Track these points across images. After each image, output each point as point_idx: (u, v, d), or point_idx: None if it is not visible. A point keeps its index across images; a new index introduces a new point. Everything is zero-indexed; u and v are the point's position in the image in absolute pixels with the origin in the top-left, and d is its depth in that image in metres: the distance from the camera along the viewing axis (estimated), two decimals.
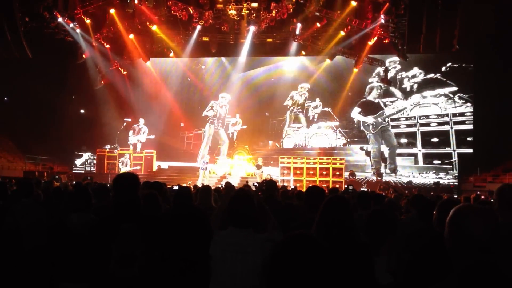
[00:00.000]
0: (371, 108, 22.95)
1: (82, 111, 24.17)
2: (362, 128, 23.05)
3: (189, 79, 24.91)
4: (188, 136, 25.06)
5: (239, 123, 24.03)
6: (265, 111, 24.23)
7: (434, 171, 21.59)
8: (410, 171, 21.98)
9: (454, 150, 21.57)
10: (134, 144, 23.95)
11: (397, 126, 22.65)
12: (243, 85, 24.41)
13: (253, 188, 9.44)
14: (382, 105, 22.86)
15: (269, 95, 23.94)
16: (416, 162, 22.18)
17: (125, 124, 24.08)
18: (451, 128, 21.74)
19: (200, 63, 25.18)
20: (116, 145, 23.41)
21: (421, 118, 22.30)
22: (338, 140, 23.37)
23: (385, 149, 22.48)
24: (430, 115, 22.21)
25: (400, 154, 22.41)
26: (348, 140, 23.38)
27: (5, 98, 23.37)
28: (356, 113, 23.25)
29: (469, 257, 1.81)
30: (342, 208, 2.92)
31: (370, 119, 22.79)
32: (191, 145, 24.88)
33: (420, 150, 22.12)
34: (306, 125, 23.94)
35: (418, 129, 22.33)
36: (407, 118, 22.56)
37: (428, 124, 22.20)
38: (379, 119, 22.72)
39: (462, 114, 21.68)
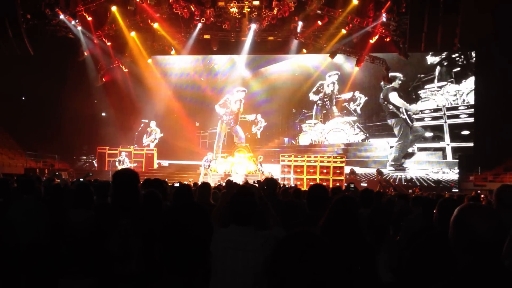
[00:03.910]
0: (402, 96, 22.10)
1: (103, 114, 24.13)
2: (403, 116, 21.92)
3: (203, 79, 24.77)
4: (203, 135, 25.00)
5: (260, 122, 23.88)
6: (282, 107, 23.68)
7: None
8: (439, 167, 21.25)
9: (448, 144, 21.09)
10: (148, 146, 24.08)
11: (421, 119, 21.90)
12: (259, 82, 24.14)
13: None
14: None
15: (289, 91, 23.39)
16: (444, 157, 21.43)
17: (142, 125, 24.22)
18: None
19: (212, 62, 24.96)
20: (136, 145, 23.52)
21: (449, 110, 21.41)
22: (357, 136, 22.90)
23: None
24: (459, 106, 21.35)
25: (426, 149, 21.74)
26: (367, 135, 22.80)
27: (23, 98, 23.36)
28: (396, 98, 22.10)
29: (474, 256, 1.81)
30: (352, 209, 2.94)
31: (414, 107, 21.91)
32: (207, 144, 24.74)
33: (448, 144, 21.32)
34: (337, 115, 23.09)
35: (445, 122, 21.51)
36: (432, 110, 21.77)
37: (457, 116, 21.37)
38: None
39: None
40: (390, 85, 22.10)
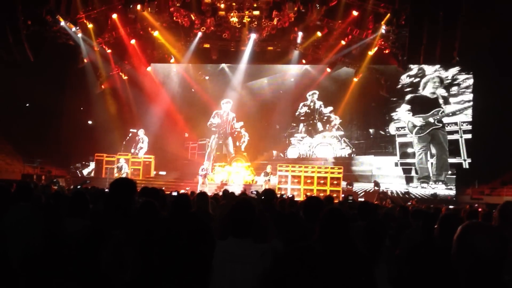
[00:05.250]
0: (423, 105, 21.79)
1: (90, 122, 24.09)
2: (407, 130, 21.99)
3: (193, 90, 24.81)
4: (192, 146, 25.00)
5: (244, 136, 24.02)
6: (270, 121, 23.90)
7: (442, 182, 21.17)
8: (416, 183, 21.57)
9: (464, 160, 21.11)
10: (136, 154, 24.04)
11: (403, 135, 22.16)
12: (247, 95, 24.32)
13: (253, 196, 9.39)
14: (440, 101, 21.56)
15: (275, 105, 23.70)
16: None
17: (130, 134, 24.20)
18: (461, 137, 21.21)
19: (203, 74, 25.05)
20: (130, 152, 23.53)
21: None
22: (343, 150, 23.17)
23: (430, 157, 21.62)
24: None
25: (406, 164, 21.97)
26: (354, 150, 23.09)
27: (27, 104, 23.31)
28: (403, 112, 22.08)
29: (476, 274, 1.80)
30: (340, 221, 2.91)
31: (417, 120, 21.71)
32: (196, 155, 24.71)
33: (428, 160, 21.61)
34: (322, 130, 23.44)
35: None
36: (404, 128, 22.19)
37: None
38: (431, 119, 21.61)
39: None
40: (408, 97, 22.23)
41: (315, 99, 23.64)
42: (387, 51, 20.36)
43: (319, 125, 23.60)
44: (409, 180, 21.69)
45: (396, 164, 22.17)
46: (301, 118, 23.90)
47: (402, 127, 22.23)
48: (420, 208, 6.23)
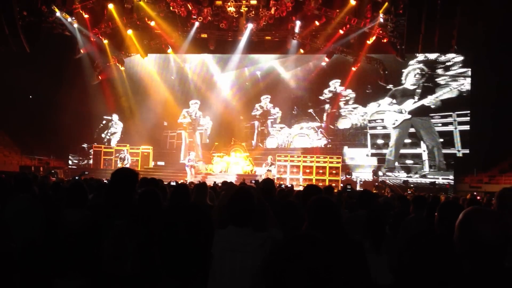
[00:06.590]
0: (403, 97, 22.61)
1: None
2: (376, 123, 23.10)
3: (173, 77, 24.85)
4: (171, 135, 25.07)
5: (207, 124, 24.74)
6: (238, 111, 24.65)
7: (404, 171, 22.16)
8: (381, 171, 22.44)
9: (424, 151, 22.04)
10: (108, 140, 24.12)
11: (374, 128, 22.94)
12: (224, 85, 24.84)
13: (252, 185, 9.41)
14: (418, 91, 22.26)
15: (245, 97, 24.51)
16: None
17: (104, 122, 24.16)
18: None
19: (185, 62, 25.08)
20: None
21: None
22: (320, 141, 23.76)
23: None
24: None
25: (376, 154, 22.85)
26: (329, 140, 23.65)
27: (30, 96, 23.21)
28: (385, 105, 22.90)
29: (479, 260, 1.79)
30: (328, 209, 2.87)
31: (392, 113, 22.60)
32: (174, 144, 24.88)
33: (391, 150, 22.52)
34: (270, 131, 24.65)
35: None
36: (383, 120, 22.97)
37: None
38: (403, 111, 22.36)
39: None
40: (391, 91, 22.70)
41: (267, 102, 24.60)
42: (385, 40, 20.29)
43: (269, 123, 24.71)
44: (377, 168, 22.49)
45: (367, 155, 23.02)
46: (257, 116, 24.79)
47: (373, 120, 23.06)
48: (420, 195, 6.23)
